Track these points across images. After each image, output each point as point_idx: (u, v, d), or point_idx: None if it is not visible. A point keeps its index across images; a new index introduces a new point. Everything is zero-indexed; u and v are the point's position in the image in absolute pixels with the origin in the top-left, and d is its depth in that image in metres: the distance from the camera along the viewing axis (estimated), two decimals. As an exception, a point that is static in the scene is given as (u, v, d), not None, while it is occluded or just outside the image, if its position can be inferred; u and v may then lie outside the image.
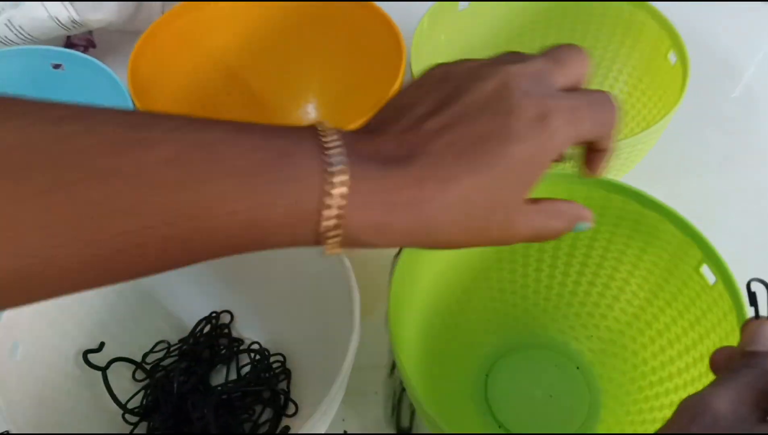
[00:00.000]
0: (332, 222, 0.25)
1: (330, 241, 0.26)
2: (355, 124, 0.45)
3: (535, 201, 0.29)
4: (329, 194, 0.25)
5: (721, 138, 0.60)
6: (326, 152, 0.25)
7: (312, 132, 0.26)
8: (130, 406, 0.42)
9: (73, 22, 0.57)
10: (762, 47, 0.67)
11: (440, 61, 0.58)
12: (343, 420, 0.44)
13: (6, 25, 0.57)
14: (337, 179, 0.25)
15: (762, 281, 0.28)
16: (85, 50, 0.65)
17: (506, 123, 0.26)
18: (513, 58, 0.29)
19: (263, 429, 0.42)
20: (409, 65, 0.50)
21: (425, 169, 0.26)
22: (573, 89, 0.29)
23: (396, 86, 0.48)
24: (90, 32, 0.66)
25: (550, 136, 0.26)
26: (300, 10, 0.58)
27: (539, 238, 0.29)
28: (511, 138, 0.26)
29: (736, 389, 0.25)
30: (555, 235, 0.29)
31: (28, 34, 0.57)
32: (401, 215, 0.26)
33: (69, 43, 0.65)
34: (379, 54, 0.54)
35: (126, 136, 0.23)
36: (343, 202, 0.25)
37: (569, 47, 0.30)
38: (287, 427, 0.41)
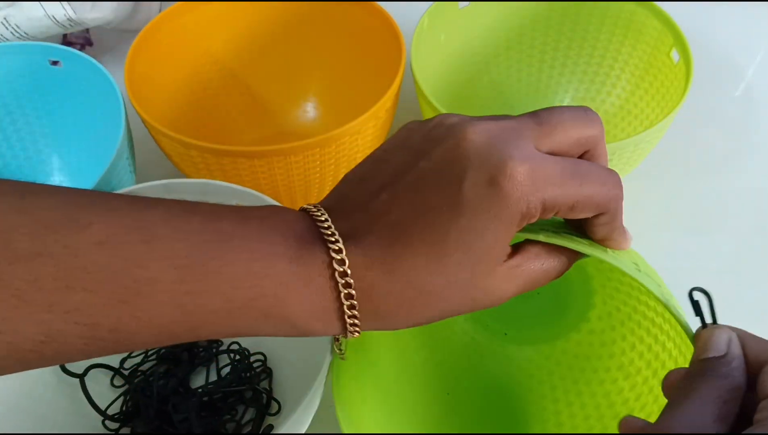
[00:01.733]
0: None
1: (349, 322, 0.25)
2: (354, 122, 0.44)
3: (514, 254, 0.25)
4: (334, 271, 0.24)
5: (722, 138, 0.60)
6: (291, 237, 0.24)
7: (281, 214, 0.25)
8: (110, 412, 0.42)
9: (70, 20, 0.57)
10: (763, 47, 0.67)
11: (440, 60, 0.58)
12: (343, 422, 0.44)
13: (2, 23, 0.56)
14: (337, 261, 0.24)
15: (703, 290, 0.26)
16: (81, 48, 0.65)
17: (453, 192, 0.24)
18: (487, 117, 0.26)
19: (247, 429, 0.42)
20: (409, 64, 0.50)
21: (370, 251, 0.24)
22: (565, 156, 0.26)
23: (396, 85, 0.47)
24: (87, 30, 0.66)
25: (505, 203, 0.23)
26: (299, 9, 0.58)
27: (533, 288, 0.27)
28: (458, 209, 0.24)
29: (696, 406, 0.22)
30: (555, 278, 0.27)
31: (25, 33, 0.57)
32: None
33: (66, 41, 0.65)
34: (378, 53, 0.54)
35: (58, 216, 0.22)
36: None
37: (567, 109, 0.26)
38: (270, 426, 0.41)
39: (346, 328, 0.25)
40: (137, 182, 0.48)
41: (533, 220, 0.25)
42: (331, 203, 0.26)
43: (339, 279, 0.24)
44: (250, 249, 0.24)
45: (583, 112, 0.26)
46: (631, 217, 0.53)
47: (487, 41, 0.59)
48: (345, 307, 0.25)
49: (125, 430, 0.42)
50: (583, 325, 0.43)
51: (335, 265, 0.24)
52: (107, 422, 0.41)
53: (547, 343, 0.44)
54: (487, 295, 0.25)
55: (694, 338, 0.26)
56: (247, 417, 0.42)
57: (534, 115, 0.26)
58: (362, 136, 0.47)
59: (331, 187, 0.49)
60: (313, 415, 0.36)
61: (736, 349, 0.24)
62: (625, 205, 0.59)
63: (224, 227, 0.24)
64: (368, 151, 0.50)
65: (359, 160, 0.49)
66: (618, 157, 0.45)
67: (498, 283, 0.25)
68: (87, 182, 0.43)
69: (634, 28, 0.55)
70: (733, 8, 0.69)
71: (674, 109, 0.46)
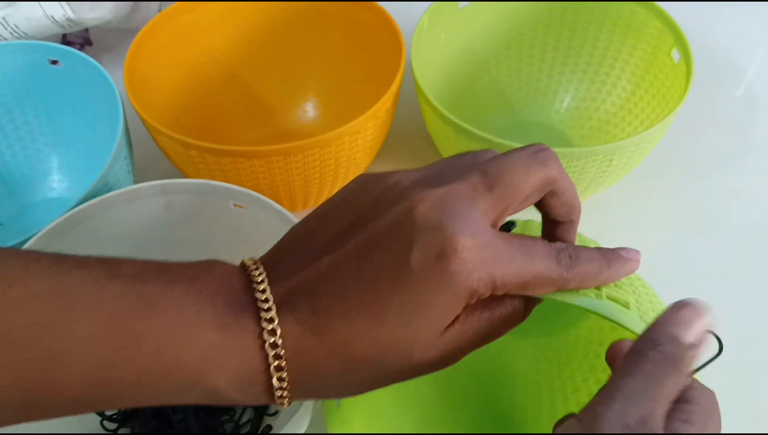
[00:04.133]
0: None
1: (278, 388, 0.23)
2: (353, 122, 0.44)
3: (455, 320, 0.24)
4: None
5: (723, 138, 0.59)
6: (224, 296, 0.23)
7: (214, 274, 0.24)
8: (107, 412, 0.41)
9: (69, 20, 0.56)
10: (763, 46, 0.67)
11: (440, 59, 0.58)
12: (342, 423, 0.44)
13: (1, 23, 0.56)
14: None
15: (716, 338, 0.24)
16: (81, 48, 0.65)
17: (400, 262, 0.23)
18: (438, 175, 0.25)
19: (245, 429, 0.42)
20: (409, 64, 0.50)
21: (306, 318, 0.23)
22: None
23: (395, 85, 0.47)
24: (86, 30, 0.66)
25: (453, 279, 0.22)
26: (299, 9, 0.57)
27: (492, 340, 0.25)
28: (403, 280, 0.22)
29: (653, 393, 0.21)
30: (518, 323, 0.25)
31: (24, 33, 0.57)
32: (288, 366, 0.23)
33: (65, 40, 0.64)
34: (378, 53, 0.54)
35: None
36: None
37: (516, 156, 0.25)
38: (269, 426, 0.41)
39: (274, 399, 0.24)
40: (136, 182, 0.48)
41: (483, 298, 0.24)
42: (273, 259, 0.25)
43: (269, 350, 0.23)
44: (172, 316, 0.23)
45: (533, 154, 0.25)
46: (631, 217, 0.54)
47: (487, 41, 0.59)
48: (274, 378, 0.23)
49: (123, 430, 0.42)
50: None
51: (265, 336, 0.23)
52: (105, 422, 0.41)
53: (557, 334, 0.42)
54: (433, 364, 0.24)
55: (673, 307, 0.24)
56: (246, 417, 0.42)
57: (483, 173, 0.24)
58: (362, 136, 0.47)
59: (331, 189, 0.50)
60: (312, 415, 0.36)
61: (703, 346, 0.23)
62: (627, 205, 0.59)
63: (147, 291, 0.23)
64: (368, 151, 0.50)
65: (359, 160, 0.49)
66: (618, 157, 0.45)
67: (441, 352, 0.24)
68: (85, 181, 0.43)
69: (634, 28, 0.55)
70: (733, 8, 0.69)
71: (675, 108, 0.46)
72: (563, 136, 0.58)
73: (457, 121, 0.45)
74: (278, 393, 0.24)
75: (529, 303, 0.25)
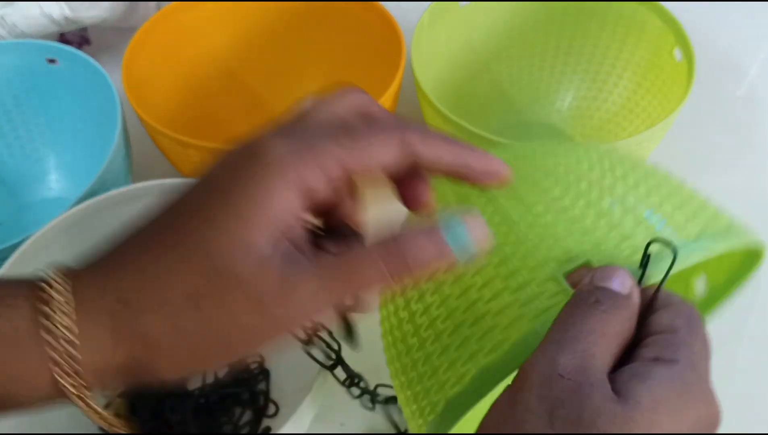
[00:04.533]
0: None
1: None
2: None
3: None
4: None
5: (724, 137, 0.59)
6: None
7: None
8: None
9: (67, 19, 0.56)
10: (765, 45, 0.67)
11: (441, 59, 0.58)
12: (342, 425, 0.43)
13: (-1, 22, 0.56)
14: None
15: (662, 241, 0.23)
16: (79, 47, 0.64)
17: (225, 172, 0.22)
18: None
19: (244, 430, 0.42)
20: (410, 63, 0.49)
21: (88, 267, 0.22)
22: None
23: (395, 84, 0.47)
24: (84, 29, 0.65)
25: (274, 161, 0.21)
26: (299, 8, 0.57)
27: (330, 300, 0.21)
28: (204, 183, 0.22)
29: (593, 339, 0.20)
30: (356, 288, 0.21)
31: (22, 31, 0.57)
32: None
33: (62, 39, 0.64)
34: (379, 52, 0.53)
35: None
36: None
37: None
38: (268, 428, 0.40)
39: (64, 389, 0.20)
40: (134, 181, 0.48)
41: (318, 189, 0.21)
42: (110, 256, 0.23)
43: (39, 307, 0.20)
44: None
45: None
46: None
47: (487, 40, 0.59)
48: (56, 353, 0.20)
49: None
50: None
51: (41, 289, 0.20)
52: (104, 424, 0.41)
53: None
54: (277, 297, 0.20)
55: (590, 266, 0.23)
56: (245, 419, 0.42)
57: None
58: (362, 136, 0.46)
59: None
60: (312, 416, 0.36)
61: (638, 298, 0.21)
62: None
63: None
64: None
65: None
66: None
67: (286, 284, 0.20)
68: (83, 181, 0.43)
69: (635, 27, 0.54)
70: (735, 7, 0.69)
71: (676, 108, 0.45)
72: (565, 136, 0.58)
73: (457, 120, 0.45)
74: (71, 382, 0.20)
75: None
